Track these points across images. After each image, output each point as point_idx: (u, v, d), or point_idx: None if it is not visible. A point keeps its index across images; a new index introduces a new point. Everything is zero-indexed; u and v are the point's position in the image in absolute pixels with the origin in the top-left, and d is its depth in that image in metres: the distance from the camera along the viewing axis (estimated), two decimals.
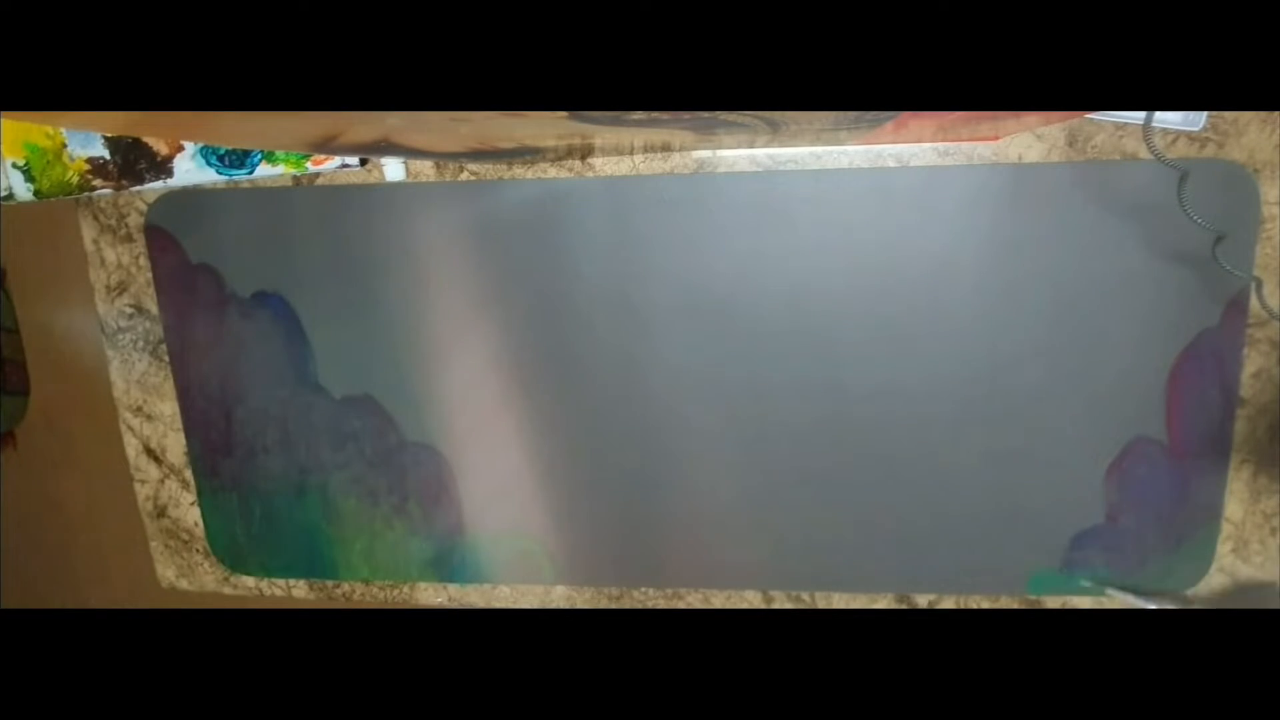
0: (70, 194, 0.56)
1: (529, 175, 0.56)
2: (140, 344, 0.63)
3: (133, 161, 0.55)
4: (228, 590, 0.68)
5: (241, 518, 0.65)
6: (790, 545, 0.60)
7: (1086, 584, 0.57)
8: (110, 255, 0.62)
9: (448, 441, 0.61)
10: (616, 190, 0.55)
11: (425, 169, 0.57)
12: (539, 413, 0.60)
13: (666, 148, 0.53)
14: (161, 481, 0.66)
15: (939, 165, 0.53)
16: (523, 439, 0.60)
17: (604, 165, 0.55)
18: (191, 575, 0.68)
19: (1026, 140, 0.52)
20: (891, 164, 0.53)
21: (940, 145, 0.52)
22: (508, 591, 0.65)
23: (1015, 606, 0.60)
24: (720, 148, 0.54)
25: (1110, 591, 0.56)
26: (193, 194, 0.58)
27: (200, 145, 0.55)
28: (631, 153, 0.54)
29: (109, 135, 0.55)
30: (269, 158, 0.55)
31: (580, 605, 0.64)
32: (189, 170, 0.55)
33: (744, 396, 0.58)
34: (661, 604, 0.64)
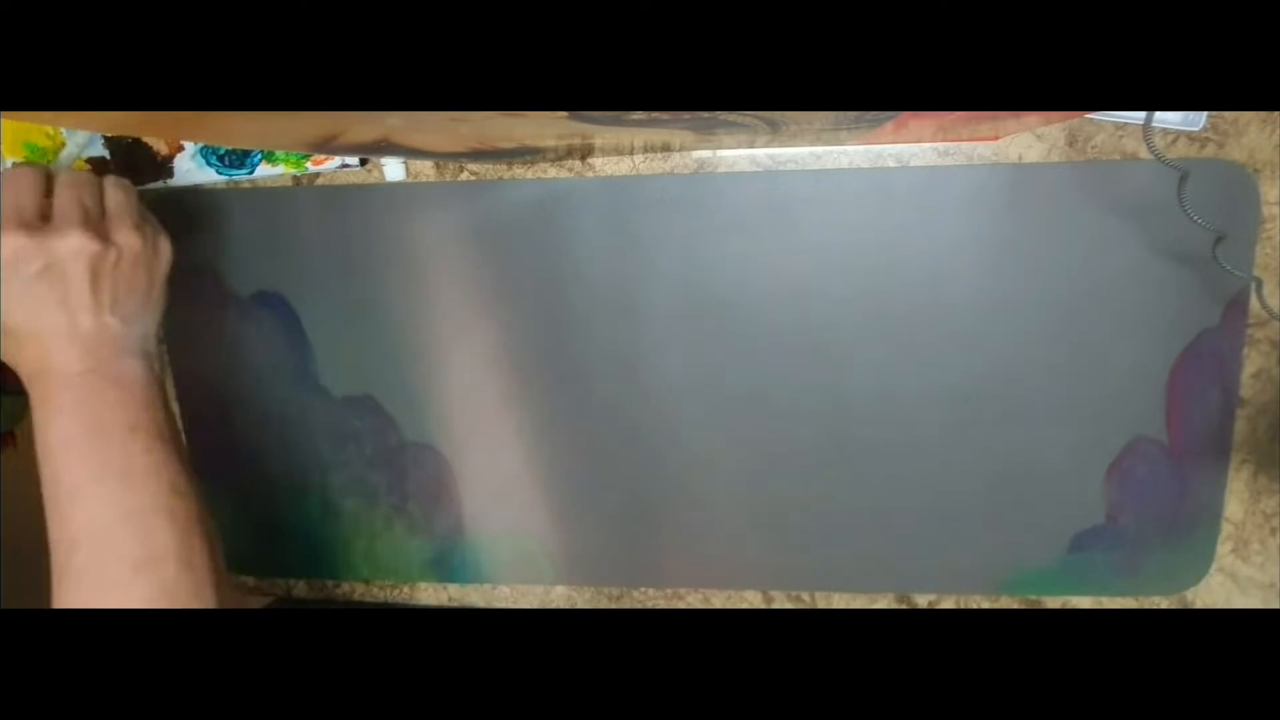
0: None
1: (529, 175, 0.56)
2: None
3: (133, 161, 0.55)
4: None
5: (241, 518, 0.65)
6: (790, 545, 0.60)
7: None
8: None
9: (448, 441, 0.61)
10: (616, 190, 0.55)
11: (425, 169, 0.57)
12: (539, 413, 0.60)
13: (666, 148, 0.53)
14: None
15: (939, 165, 0.53)
16: (523, 439, 0.60)
17: (604, 165, 0.55)
18: None
19: (1026, 140, 0.52)
20: (891, 164, 0.53)
21: (940, 145, 0.52)
22: (508, 591, 0.65)
23: (1016, 606, 0.60)
24: (720, 148, 0.54)
25: None
26: (193, 194, 0.58)
27: (200, 145, 0.55)
28: (631, 153, 0.54)
29: (109, 135, 0.55)
30: (269, 158, 0.55)
31: (580, 605, 0.64)
32: (189, 170, 0.55)
33: (744, 396, 0.58)
34: (661, 604, 0.64)
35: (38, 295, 0.41)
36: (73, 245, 0.41)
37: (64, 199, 0.42)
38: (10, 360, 0.42)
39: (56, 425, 0.41)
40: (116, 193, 0.44)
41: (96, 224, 0.42)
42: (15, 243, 0.40)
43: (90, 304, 0.42)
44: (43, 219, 0.41)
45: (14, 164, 0.53)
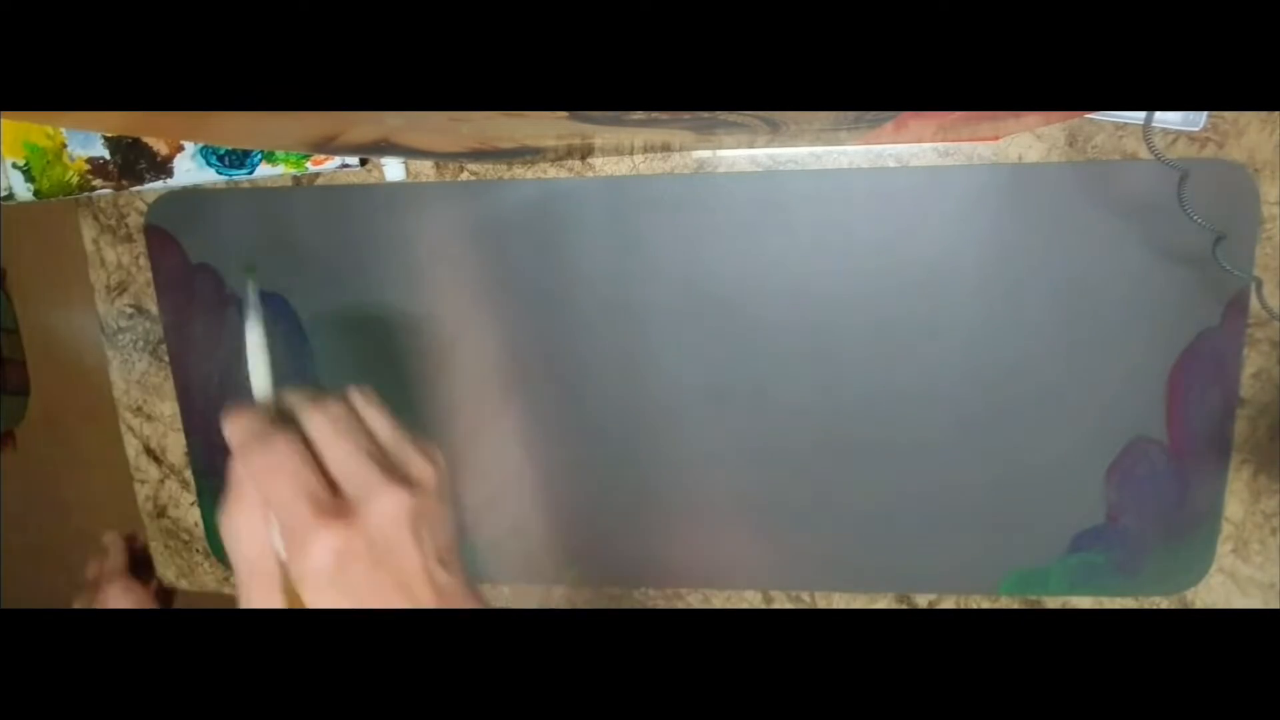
0: (70, 194, 0.56)
1: (529, 175, 0.56)
2: (140, 344, 0.63)
3: (133, 161, 0.55)
4: (228, 590, 0.68)
5: None
6: (790, 545, 0.60)
7: None
8: (110, 255, 0.62)
9: (448, 441, 0.61)
10: (616, 190, 0.55)
11: (425, 169, 0.57)
12: (539, 413, 0.60)
13: (666, 148, 0.53)
14: (161, 481, 0.66)
15: (939, 165, 0.53)
16: (523, 439, 0.60)
17: (604, 165, 0.55)
18: (191, 575, 0.68)
19: (1026, 140, 0.52)
20: (891, 164, 0.53)
21: (940, 145, 0.52)
22: (508, 591, 0.65)
23: (1015, 606, 0.60)
24: (720, 148, 0.54)
25: None
26: (193, 194, 0.58)
27: (200, 145, 0.55)
28: (631, 153, 0.54)
29: (109, 135, 0.55)
30: (269, 158, 0.55)
31: (580, 605, 0.64)
32: (189, 170, 0.55)
33: (744, 396, 0.58)
34: (661, 604, 0.64)
35: (373, 587, 0.32)
36: (388, 511, 0.32)
37: (339, 452, 0.33)
38: None
39: None
40: (375, 414, 0.37)
41: (390, 469, 0.34)
42: (334, 541, 0.31)
43: (420, 569, 0.33)
44: (328, 487, 0.32)
45: (14, 164, 0.52)
